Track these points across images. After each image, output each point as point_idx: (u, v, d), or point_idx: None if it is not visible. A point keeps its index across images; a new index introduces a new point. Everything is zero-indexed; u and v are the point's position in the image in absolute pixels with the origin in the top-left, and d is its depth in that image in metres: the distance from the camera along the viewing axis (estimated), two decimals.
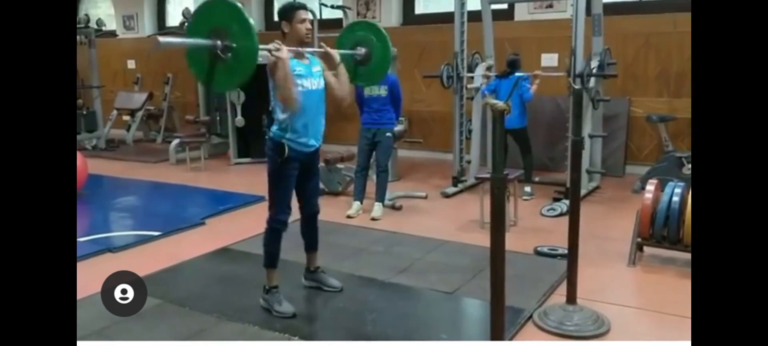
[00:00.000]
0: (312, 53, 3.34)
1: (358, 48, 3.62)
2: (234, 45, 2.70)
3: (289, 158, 3.23)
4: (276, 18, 3.26)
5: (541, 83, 5.91)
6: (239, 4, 2.78)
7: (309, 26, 3.22)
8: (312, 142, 3.30)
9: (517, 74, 5.66)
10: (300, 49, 3.22)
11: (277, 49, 3.00)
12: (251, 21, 2.71)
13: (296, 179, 3.33)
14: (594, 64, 5.69)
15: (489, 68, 6.39)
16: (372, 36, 3.63)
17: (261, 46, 2.80)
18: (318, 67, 3.32)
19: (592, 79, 5.62)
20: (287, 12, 3.21)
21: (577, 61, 5.46)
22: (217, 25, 2.71)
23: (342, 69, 3.37)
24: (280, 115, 3.21)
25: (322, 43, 3.42)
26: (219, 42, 2.69)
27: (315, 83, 3.26)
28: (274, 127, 3.26)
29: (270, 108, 3.30)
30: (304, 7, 3.25)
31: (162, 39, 2.59)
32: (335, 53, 3.36)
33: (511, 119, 5.54)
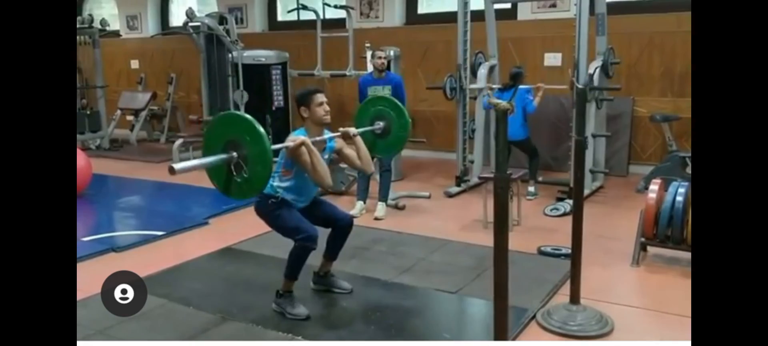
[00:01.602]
0: (330, 137, 3.38)
1: (377, 122, 3.71)
2: (248, 153, 2.75)
3: (282, 200, 3.27)
4: (295, 104, 3.40)
5: (545, 89, 5.89)
6: (247, 116, 2.85)
7: (327, 108, 3.30)
8: (306, 202, 3.39)
9: (516, 89, 5.67)
10: (318, 138, 3.25)
11: (294, 140, 3.09)
12: (260, 128, 2.76)
13: (306, 213, 3.36)
14: (597, 64, 5.68)
15: (492, 68, 6.39)
16: (390, 110, 3.72)
17: (274, 146, 2.87)
18: (330, 153, 3.41)
19: (596, 81, 5.61)
20: (305, 97, 3.29)
21: (580, 75, 5.45)
22: (230, 138, 2.78)
23: (359, 141, 3.42)
24: (279, 184, 3.28)
25: (340, 128, 3.43)
26: (235, 153, 2.75)
27: None
28: (267, 187, 3.24)
29: (273, 171, 3.34)
30: (319, 90, 3.35)
31: (177, 166, 2.61)
32: (352, 130, 3.41)
33: (513, 130, 5.53)
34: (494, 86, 6.15)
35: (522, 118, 5.79)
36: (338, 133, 3.39)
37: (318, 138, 3.25)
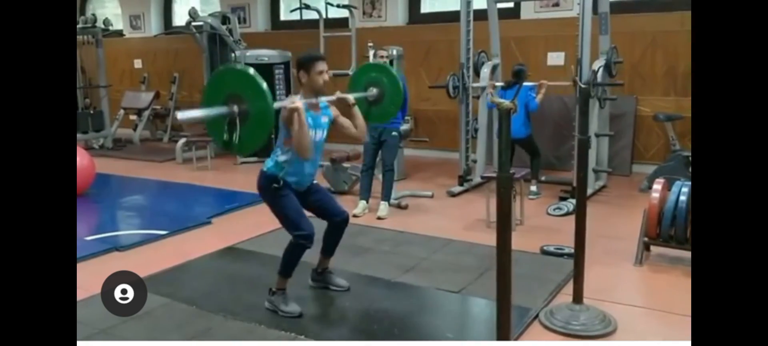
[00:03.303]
0: (326, 102, 3.36)
1: (370, 89, 3.72)
2: (250, 108, 2.74)
3: (284, 184, 3.27)
4: (295, 68, 3.36)
5: (547, 86, 5.88)
6: (250, 70, 2.84)
7: (326, 77, 3.27)
8: (307, 181, 3.38)
9: (519, 86, 5.66)
10: (314, 100, 3.24)
11: (292, 102, 3.07)
12: (263, 84, 2.75)
13: (302, 202, 3.36)
14: (600, 63, 5.67)
15: (494, 68, 6.38)
16: (383, 77, 3.74)
17: (276, 104, 2.86)
18: (327, 117, 3.37)
19: (599, 79, 5.60)
20: (306, 62, 3.25)
21: (582, 71, 5.44)
22: (232, 92, 2.77)
23: (356, 111, 3.43)
24: (281, 157, 3.27)
25: (337, 92, 3.44)
26: (235, 108, 2.74)
27: (318, 134, 3.31)
28: (270, 163, 3.30)
29: (276, 143, 3.35)
30: (322, 58, 3.31)
31: (180, 114, 2.64)
32: (349, 97, 3.41)
33: (515, 128, 5.53)
34: (498, 84, 6.15)
35: (524, 115, 5.78)
36: (333, 97, 3.36)
37: (313, 100, 3.22)
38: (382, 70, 3.81)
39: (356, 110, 3.42)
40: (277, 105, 2.93)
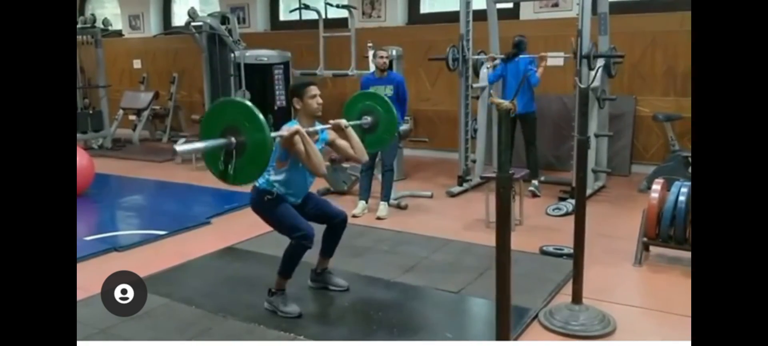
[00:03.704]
0: (322, 129, 3.42)
1: (365, 117, 3.76)
2: (247, 140, 2.76)
3: (278, 196, 3.30)
4: (289, 96, 3.47)
5: (546, 82, 5.89)
6: (248, 102, 2.87)
7: (319, 100, 3.35)
8: (300, 197, 3.43)
9: (522, 57, 5.68)
10: (312, 129, 3.29)
11: (288, 129, 3.13)
12: (260, 116, 2.78)
13: (299, 210, 3.38)
14: (600, 63, 5.68)
15: (494, 67, 6.38)
16: (377, 106, 3.79)
17: (273, 134, 2.90)
18: (323, 142, 3.44)
19: (598, 78, 5.60)
20: (299, 89, 3.36)
21: (583, 43, 5.44)
22: (229, 123, 2.79)
23: (351, 132, 3.48)
24: (273, 176, 3.31)
25: (331, 121, 3.49)
26: (233, 139, 2.77)
27: None
28: (262, 180, 3.31)
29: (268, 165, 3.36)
30: (314, 83, 3.40)
31: (179, 147, 2.66)
32: (342, 121, 3.47)
33: (520, 104, 5.54)
34: (497, 57, 6.14)
35: (529, 91, 5.80)
36: (329, 126, 3.44)
37: (311, 129, 3.29)
38: (376, 98, 3.88)
39: (351, 132, 3.48)
40: (275, 134, 3.01)
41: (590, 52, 5.48)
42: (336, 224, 3.55)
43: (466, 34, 6.26)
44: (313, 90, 3.34)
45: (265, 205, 3.31)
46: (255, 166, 2.81)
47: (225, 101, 3.12)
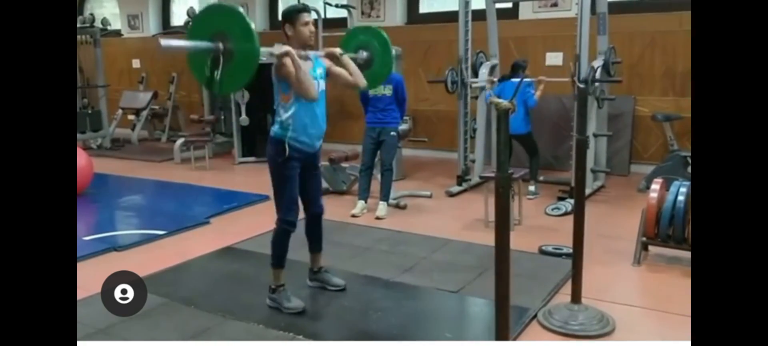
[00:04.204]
0: (316, 56, 3.36)
1: (361, 52, 3.69)
2: (236, 47, 2.70)
3: (290, 157, 3.25)
4: (280, 19, 3.30)
5: (546, 82, 5.88)
6: (240, 8, 2.81)
7: (312, 28, 3.26)
8: (313, 142, 3.34)
9: (521, 79, 5.65)
10: (303, 52, 3.23)
11: (281, 48, 3.04)
12: (252, 24, 2.73)
13: (299, 178, 3.35)
14: (599, 63, 5.68)
15: (493, 68, 6.38)
16: (373, 40, 3.71)
17: (263, 48, 2.82)
18: (321, 69, 3.36)
19: (597, 78, 5.60)
20: (290, 15, 3.25)
21: (581, 66, 5.44)
22: (218, 29, 2.73)
23: (347, 60, 3.43)
24: (283, 115, 3.24)
25: (325, 49, 3.47)
26: (221, 45, 2.70)
27: (319, 85, 3.30)
28: (275, 126, 3.28)
29: (275, 106, 3.32)
30: (306, 9, 3.31)
31: (164, 41, 2.59)
32: (336, 49, 3.41)
33: (515, 124, 5.53)
34: (495, 80, 6.15)
35: (523, 112, 5.79)
36: (321, 53, 3.37)
37: (302, 52, 3.21)
38: (371, 32, 3.77)
39: (347, 59, 3.42)
40: (264, 50, 2.90)
41: (588, 76, 5.47)
42: (313, 214, 3.54)
43: (465, 48, 6.25)
44: (306, 17, 3.23)
45: (276, 164, 3.26)
46: (241, 75, 2.73)
47: (216, 6, 3.00)
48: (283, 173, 3.28)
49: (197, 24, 2.85)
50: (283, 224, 3.31)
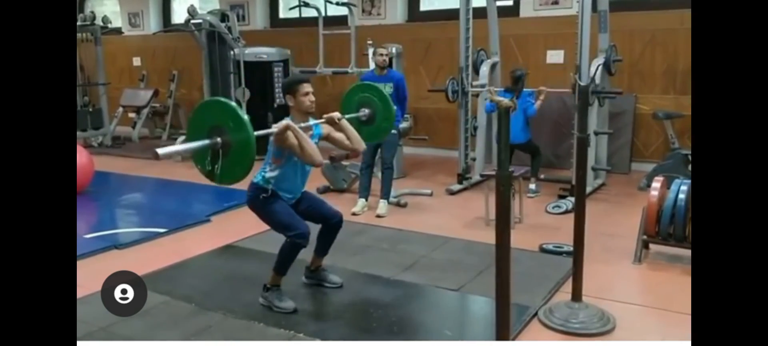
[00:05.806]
0: (316, 123, 3.42)
1: (362, 109, 3.78)
2: (232, 139, 2.79)
3: (272, 193, 3.31)
4: (282, 93, 3.43)
5: (546, 81, 5.88)
6: (232, 103, 2.91)
7: (312, 98, 3.34)
8: (296, 193, 3.44)
9: (523, 90, 5.67)
10: (303, 124, 3.29)
11: (279, 125, 3.14)
12: (245, 116, 2.81)
13: (293, 209, 3.39)
14: (600, 61, 5.67)
15: (493, 66, 6.38)
16: (373, 97, 3.81)
17: (259, 133, 2.90)
18: (317, 136, 3.43)
19: (597, 78, 5.59)
20: (291, 86, 3.35)
21: (582, 75, 5.43)
22: (215, 123, 2.82)
23: (346, 124, 3.47)
24: (268, 173, 3.33)
25: (324, 115, 3.49)
26: (218, 139, 2.80)
27: None
28: (258, 177, 3.34)
29: (264, 161, 3.39)
30: (306, 80, 3.40)
31: (161, 150, 2.66)
32: (334, 114, 3.47)
33: (514, 134, 5.53)
34: (497, 90, 6.14)
35: (523, 121, 5.80)
36: (323, 120, 3.42)
37: (303, 124, 3.28)
38: (372, 90, 3.89)
39: (345, 123, 3.48)
40: (264, 132, 3.03)
41: (588, 88, 5.46)
42: (331, 225, 3.56)
43: (466, 57, 6.25)
44: (306, 87, 3.32)
45: (261, 202, 3.33)
46: (240, 165, 2.82)
47: (209, 101, 3.15)
48: (271, 207, 3.33)
49: (195, 121, 2.94)
50: (296, 239, 3.29)
